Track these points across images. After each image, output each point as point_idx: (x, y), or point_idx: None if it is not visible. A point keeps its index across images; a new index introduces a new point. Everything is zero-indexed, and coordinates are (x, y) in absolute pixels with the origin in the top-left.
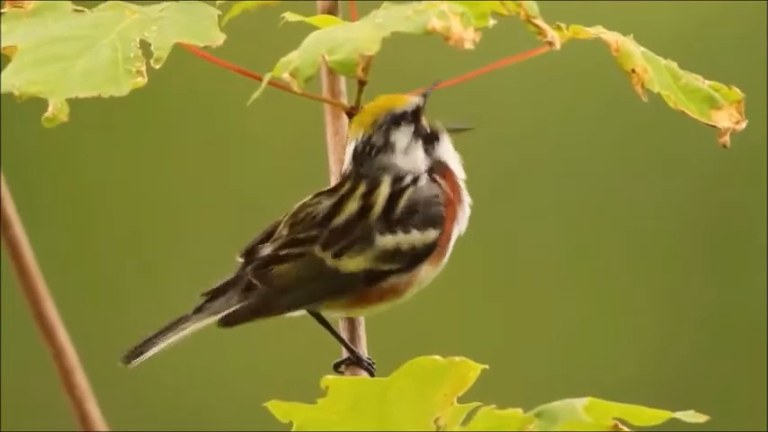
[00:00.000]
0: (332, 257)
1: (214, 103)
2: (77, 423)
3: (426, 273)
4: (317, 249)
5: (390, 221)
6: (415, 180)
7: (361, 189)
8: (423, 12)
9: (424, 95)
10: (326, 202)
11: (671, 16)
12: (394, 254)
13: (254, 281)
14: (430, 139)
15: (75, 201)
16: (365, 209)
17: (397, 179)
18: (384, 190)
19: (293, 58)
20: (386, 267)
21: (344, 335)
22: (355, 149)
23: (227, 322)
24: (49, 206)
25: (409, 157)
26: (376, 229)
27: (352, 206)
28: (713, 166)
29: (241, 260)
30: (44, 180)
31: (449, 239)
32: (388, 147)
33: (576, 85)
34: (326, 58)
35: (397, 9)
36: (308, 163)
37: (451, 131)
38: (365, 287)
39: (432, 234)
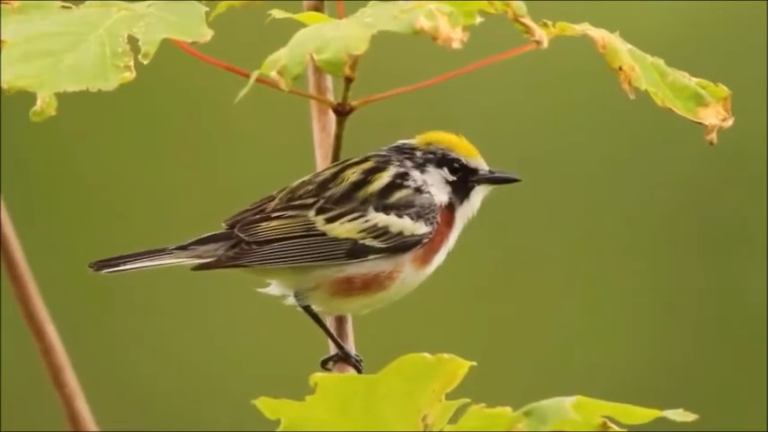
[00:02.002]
0: (324, 222)
1: (201, 99)
2: (67, 421)
3: (411, 272)
4: (311, 214)
5: (386, 205)
6: (419, 189)
7: (369, 165)
8: (410, 11)
9: (487, 177)
10: (326, 173)
11: (668, 18)
12: (383, 232)
13: (241, 235)
14: (459, 195)
15: (65, 198)
16: (363, 183)
17: (402, 176)
18: (385, 176)
19: (281, 56)
20: (371, 243)
21: (332, 331)
22: (399, 145)
23: (202, 266)
24: (38, 204)
25: (427, 185)
26: (372, 204)
27: (353, 176)
28: (715, 161)
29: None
30: (34, 178)
31: (436, 250)
32: (419, 167)
33: (566, 82)
34: (314, 56)
35: (385, 8)
36: (294, 158)
37: (497, 181)
38: (347, 260)
39: (422, 228)
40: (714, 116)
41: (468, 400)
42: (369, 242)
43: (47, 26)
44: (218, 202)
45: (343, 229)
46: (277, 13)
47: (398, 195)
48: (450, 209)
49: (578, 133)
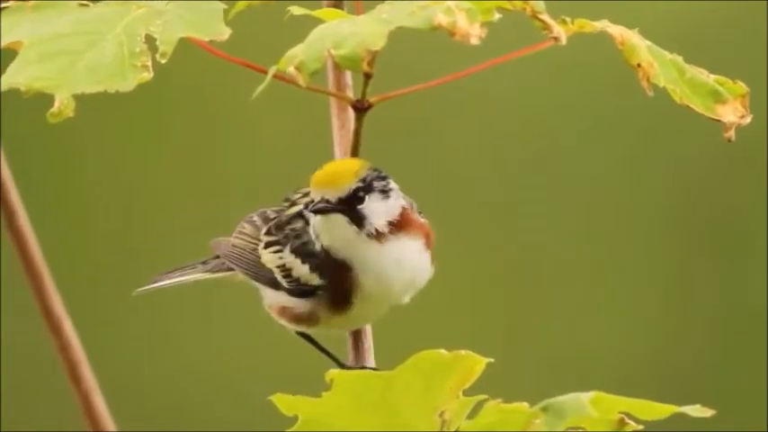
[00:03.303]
0: (263, 246)
1: (219, 96)
2: (83, 415)
3: (331, 316)
4: (263, 231)
5: (296, 247)
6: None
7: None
8: (428, 7)
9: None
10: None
11: (676, 15)
12: (287, 274)
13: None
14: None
15: (80, 195)
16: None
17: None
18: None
19: (298, 52)
20: (281, 281)
21: (350, 343)
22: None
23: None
24: (53, 199)
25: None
26: (289, 241)
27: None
28: (717, 160)
29: None
30: (48, 173)
31: (345, 299)
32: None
33: (581, 79)
34: (332, 52)
35: (403, 5)
36: (314, 156)
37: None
38: (269, 287)
39: (315, 281)
40: (732, 113)
41: (486, 397)
42: (279, 279)
43: (63, 26)
44: (237, 200)
45: (268, 258)
46: (295, 10)
47: (294, 225)
48: (338, 260)
49: (584, 132)
